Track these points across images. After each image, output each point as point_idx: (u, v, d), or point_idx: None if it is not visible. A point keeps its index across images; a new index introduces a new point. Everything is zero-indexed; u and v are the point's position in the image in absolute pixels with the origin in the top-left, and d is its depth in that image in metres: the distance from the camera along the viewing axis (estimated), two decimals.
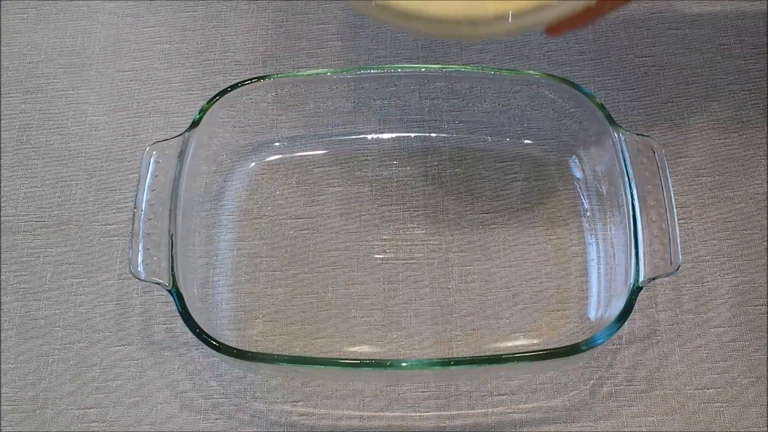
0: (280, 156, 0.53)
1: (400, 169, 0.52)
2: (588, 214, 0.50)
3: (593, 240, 0.49)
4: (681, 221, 0.49)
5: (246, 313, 0.48)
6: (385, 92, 0.52)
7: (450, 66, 0.50)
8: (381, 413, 0.45)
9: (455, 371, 0.45)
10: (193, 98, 0.55)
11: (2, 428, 0.46)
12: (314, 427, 0.45)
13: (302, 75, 0.51)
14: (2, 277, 0.50)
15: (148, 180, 0.45)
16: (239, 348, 0.41)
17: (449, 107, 0.53)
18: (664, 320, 0.47)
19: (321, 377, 0.46)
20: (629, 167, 0.44)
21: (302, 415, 0.46)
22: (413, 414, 0.45)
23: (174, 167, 0.45)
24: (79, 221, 0.51)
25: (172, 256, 0.43)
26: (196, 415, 0.46)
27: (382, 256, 0.49)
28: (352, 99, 0.52)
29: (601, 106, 0.46)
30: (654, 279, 0.42)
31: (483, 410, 0.45)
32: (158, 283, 0.43)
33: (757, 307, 0.47)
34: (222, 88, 0.48)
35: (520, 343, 0.46)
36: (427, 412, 0.45)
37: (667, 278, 0.46)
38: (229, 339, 0.47)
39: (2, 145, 0.54)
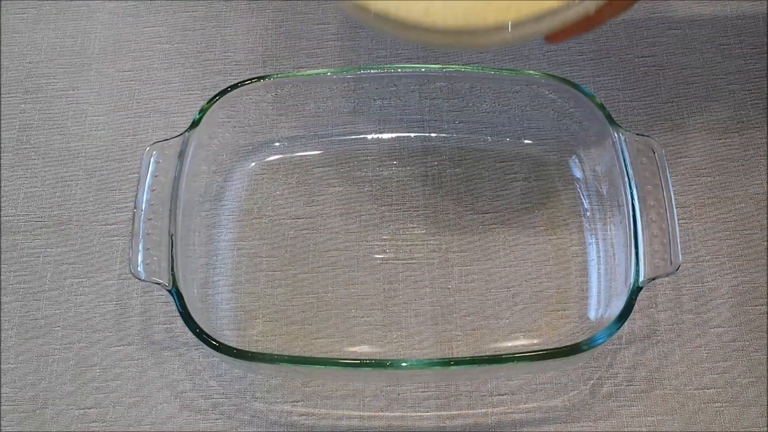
0: (280, 156, 0.53)
1: (400, 169, 0.52)
2: (588, 214, 0.50)
3: (593, 240, 0.49)
4: (681, 221, 0.49)
5: (246, 313, 0.48)
6: (385, 92, 0.52)
7: (450, 66, 0.50)
8: (381, 413, 0.45)
9: (455, 371, 0.45)
10: (193, 98, 0.55)
11: (2, 428, 0.46)
12: (314, 427, 0.45)
13: (302, 75, 0.51)
14: (2, 277, 0.50)
15: (148, 180, 0.45)
16: (239, 348, 0.41)
17: (449, 107, 0.53)
18: (664, 320, 0.47)
19: (321, 377, 0.46)
20: (629, 167, 0.44)
21: (302, 415, 0.46)
22: (413, 414, 0.45)
23: (174, 167, 0.45)
24: (79, 221, 0.51)
25: (172, 256, 0.43)
26: (196, 415, 0.46)
27: (382, 256, 0.49)
28: (352, 99, 0.52)
29: (601, 106, 0.46)
30: (654, 279, 0.42)
31: (483, 410, 0.45)
32: (158, 283, 0.43)
33: (757, 307, 0.47)
34: (222, 88, 0.48)
35: (520, 343, 0.46)
36: (427, 412, 0.45)
37: (667, 278, 0.46)
38: (229, 339, 0.47)
39: (2, 145, 0.54)
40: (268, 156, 0.53)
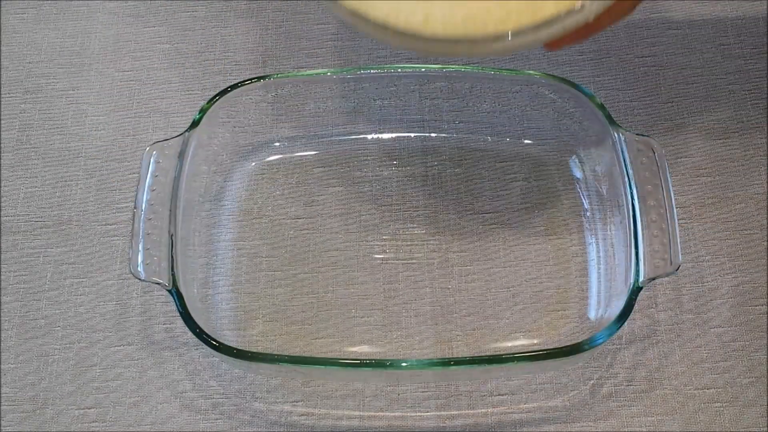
0: (280, 156, 0.53)
1: (400, 169, 0.52)
2: (588, 214, 0.50)
3: (593, 240, 0.49)
4: (681, 221, 0.49)
5: (246, 313, 0.48)
6: (385, 92, 0.52)
7: (450, 66, 0.50)
8: (381, 413, 0.45)
9: (455, 371, 0.44)
10: (193, 98, 0.55)
11: (2, 428, 0.46)
12: (314, 427, 0.45)
13: (302, 75, 0.51)
14: (2, 277, 0.50)
15: (148, 180, 0.45)
16: (239, 348, 0.41)
17: (449, 107, 0.53)
18: (664, 320, 0.47)
19: (321, 377, 0.46)
20: (629, 167, 0.44)
21: (302, 415, 0.46)
22: (413, 414, 0.45)
23: (174, 167, 0.45)
24: (79, 221, 0.51)
25: (172, 256, 0.43)
26: (196, 415, 0.46)
27: (382, 256, 0.49)
28: (352, 99, 0.52)
29: (601, 106, 0.46)
30: (654, 279, 0.42)
31: (483, 410, 0.45)
32: (158, 283, 0.43)
33: (757, 307, 0.47)
34: (222, 88, 0.48)
35: (520, 343, 0.46)
36: (427, 412, 0.45)
37: (667, 278, 0.46)
38: (229, 339, 0.47)
39: (2, 145, 0.54)
40: (268, 156, 0.53)
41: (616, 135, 0.45)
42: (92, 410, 0.46)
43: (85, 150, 0.54)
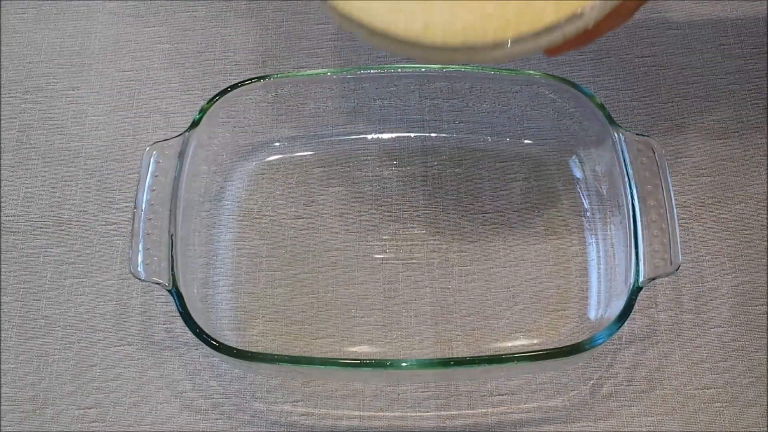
0: (280, 156, 0.53)
1: (400, 169, 0.52)
2: (588, 214, 0.50)
3: (593, 240, 0.49)
4: (681, 221, 0.49)
5: (246, 313, 0.48)
6: (385, 92, 0.52)
7: (450, 66, 0.49)
8: (381, 413, 0.45)
9: (455, 371, 0.45)
10: (193, 98, 0.55)
11: (2, 428, 0.46)
12: (314, 427, 0.45)
13: (302, 75, 0.51)
14: (2, 277, 0.50)
15: (148, 180, 0.45)
16: (239, 348, 0.41)
17: (449, 107, 0.53)
18: (664, 320, 0.47)
19: (321, 377, 0.46)
20: (629, 167, 0.44)
21: (302, 415, 0.46)
22: (413, 414, 0.45)
23: (174, 167, 0.45)
24: (79, 221, 0.51)
25: (172, 256, 0.43)
26: (196, 415, 0.46)
27: (382, 256, 0.49)
28: (352, 99, 0.52)
29: (601, 106, 0.46)
30: (654, 279, 0.42)
31: (483, 410, 0.45)
32: (158, 283, 0.43)
33: (757, 307, 0.47)
34: (222, 88, 0.48)
35: (520, 343, 0.46)
36: (427, 412, 0.45)
37: (667, 278, 0.46)
38: (229, 339, 0.47)
39: (2, 145, 0.54)
40: (268, 156, 0.53)
41: (616, 135, 0.45)
42: (92, 410, 0.46)
43: (85, 150, 0.54)
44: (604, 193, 0.49)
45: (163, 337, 0.48)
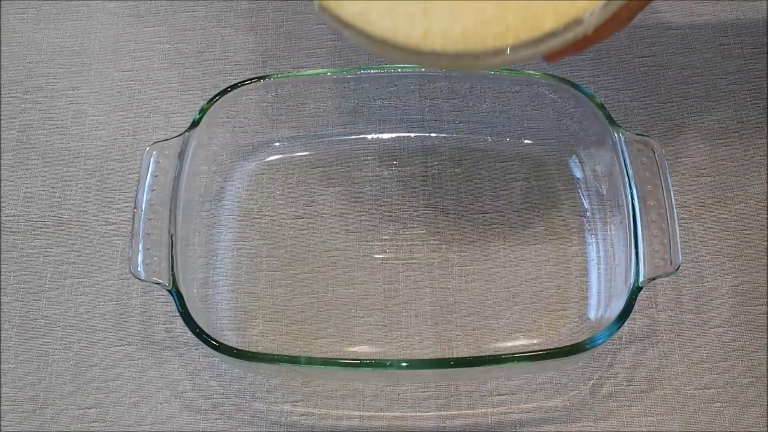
0: (280, 156, 0.53)
1: (400, 169, 0.52)
2: (588, 214, 0.50)
3: (593, 240, 0.49)
4: (681, 221, 0.49)
5: (246, 313, 0.48)
6: (385, 92, 0.52)
7: None
8: (381, 413, 0.45)
9: (455, 371, 0.45)
10: (193, 98, 0.55)
11: (2, 428, 0.46)
12: (314, 427, 0.45)
13: (302, 75, 0.51)
14: (2, 277, 0.50)
15: (148, 180, 0.45)
16: (239, 348, 0.41)
17: (449, 107, 0.53)
18: (664, 320, 0.47)
19: (321, 377, 0.46)
20: (629, 167, 0.44)
21: (302, 415, 0.46)
22: (413, 414, 0.45)
23: (174, 167, 0.45)
24: (79, 221, 0.51)
25: (172, 256, 0.43)
26: (196, 415, 0.46)
27: (382, 256, 0.49)
28: (352, 99, 0.52)
29: (601, 106, 0.46)
30: (654, 279, 0.42)
31: (483, 410, 0.45)
32: (158, 283, 0.43)
33: (757, 307, 0.47)
34: (222, 88, 0.48)
35: (520, 343, 0.46)
36: (427, 412, 0.45)
37: (667, 278, 0.46)
38: (229, 339, 0.47)
39: (2, 145, 0.54)
40: (268, 156, 0.53)
41: (616, 135, 0.45)
42: (92, 410, 0.46)
43: (85, 150, 0.54)
44: (604, 193, 0.49)
45: (163, 337, 0.48)
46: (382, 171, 0.52)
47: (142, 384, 0.46)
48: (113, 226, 0.51)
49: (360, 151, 0.53)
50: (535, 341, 0.46)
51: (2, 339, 0.48)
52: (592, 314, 0.47)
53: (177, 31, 0.58)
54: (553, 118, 0.51)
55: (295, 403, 0.46)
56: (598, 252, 0.48)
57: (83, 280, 0.49)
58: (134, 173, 0.52)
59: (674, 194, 0.44)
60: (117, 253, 0.50)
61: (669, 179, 0.44)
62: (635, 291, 0.41)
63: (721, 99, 0.54)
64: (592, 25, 0.33)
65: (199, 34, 0.58)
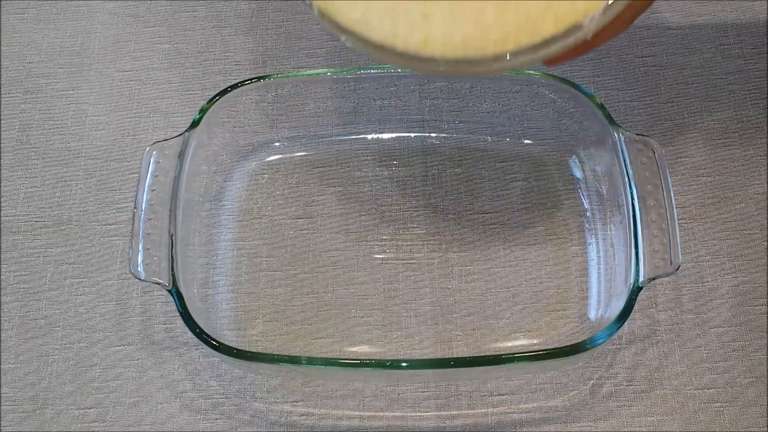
0: (280, 156, 0.53)
1: (400, 169, 0.52)
2: (588, 214, 0.50)
3: (593, 240, 0.49)
4: (681, 221, 0.49)
5: (246, 313, 0.48)
6: (385, 92, 0.52)
7: None
8: (381, 413, 0.45)
9: (455, 371, 0.45)
10: (193, 98, 0.55)
11: (2, 428, 0.46)
12: (314, 427, 0.45)
13: (302, 75, 0.51)
14: (2, 277, 0.50)
15: (148, 180, 0.45)
16: (239, 348, 0.41)
17: (449, 107, 0.53)
18: (664, 320, 0.47)
19: (321, 377, 0.46)
20: (629, 167, 0.44)
21: (302, 415, 0.46)
22: (413, 414, 0.45)
23: (174, 167, 0.45)
24: (79, 221, 0.51)
25: (172, 256, 0.43)
26: (196, 415, 0.46)
27: (382, 256, 0.49)
28: (352, 99, 0.52)
29: (601, 106, 0.46)
30: (654, 279, 0.42)
31: (483, 410, 0.45)
32: (158, 283, 0.43)
33: (757, 307, 0.47)
34: (222, 88, 0.48)
35: (520, 343, 0.46)
36: (427, 412, 0.45)
37: (667, 278, 0.46)
38: (229, 339, 0.47)
39: (2, 145, 0.54)
40: (268, 156, 0.53)
41: (616, 135, 0.45)
42: (92, 410, 0.46)
43: (85, 150, 0.54)
44: (604, 193, 0.49)
45: (163, 337, 0.48)
46: (382, 171, 0.52)
47: (142, 384, 0.46)
48: (113, 226, 0.51)
49: (360, 151, 0.53)
50: (535, 341, 0.46)
51: (2, 339, 0.48)
52: (592, 314, 0.47)
53: (177, 31, 0.58)
54: (553, 118, 0.51)
55: (295, 403, 0.46)
56: (598, 252, 0.48)
57: (83, 280, 0.49)
58: (134, 173, 0.52)
59: (674, 194, 0.44)
60: (117, 253, 0.50)
61: (669, 179, 0.44)
62: (635, 291, 0.41)
63: (721, 99, 0.54)
64: (591, 31, 0.33)
65: (199, 34, 0.58)
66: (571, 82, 0.48)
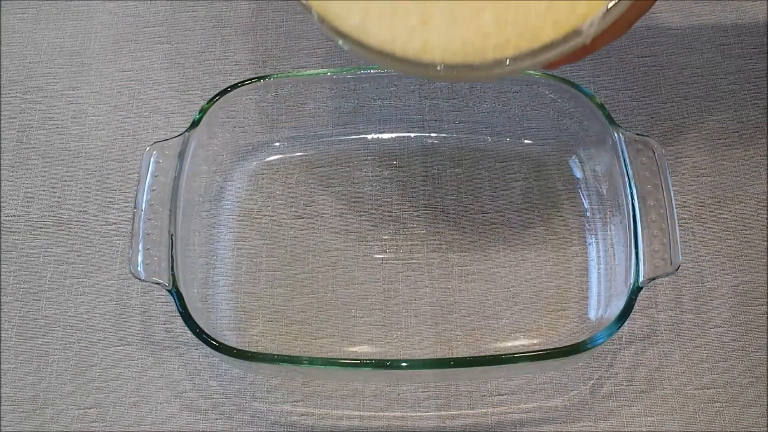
0: (280, 156, 0.53)
1: (400, 169, 0.52)
2: (588, 214, 0.50)
3: (593, 240, 0.49)
4: (681, 221, 0.49)
5: (246, 313, 0.48)
6: (385, 92, 0.52)
7: None
8: (381, 413, 0.45)
9: (455, 371, 0.45)
10: (193, 98, 0.55)
11: (2, 428, 0.46)
12: (314, 427, 0.45)
13: (302, 75, 0.51)
14: (2, 277, 0.50)
15: (148, 180, 0.45)
16: (239, 348, 0.41)
17: (449, 107, 0.53)
18: (664, 320, 0.47)
19: (321, 377, 0.46)
20: (629, 167, 0.44)
21: (302, 415, 0.46)
22: (413, 414, 0.45)
23: (174, 167, 0.45)
24: (79, 221, 0.51)
25: (172, 256, 0.43)
26: (196, 415, 0.46)
27: (382, 256, 0.49)
28: (352, 99, 0.52)
29: (601, 106, 0.46)
30: (654, 279, 0.42)
31: (483, 410, 0.45)
32: (158, 283, 0.43)
33: (757, 307, 0.47)
34: (222, 88, 0.48)
35: (520, 343, 0.46)
36: (427, 412, 0.45)
37: (667, 278, 0.46)
38: (229, 339, 0.47)
39: (2, 145, 0.54)
40: (268, 156, 0.53)
41: (616, 135, 0.45)
42: (92, 410, 0.46)
43: (85, 150, 0.54)
44: (604, 193, 0.49)
45: (163, 337, 0.48)
46: (381, 171, 0.52)
47: (142, 384, 0.46)
48: (113, 226, 0.51)
49: (360, 152, 0.53)
50: (535, 341, 0.46)
51: (2, 339, 0.48)
52: (592, 314, 0.47)
53: (177, 31, 0.58)
54: (553, 118, 0.51)
55: (295, 403, 0.46)
56: (598, 252, 0.48)
57: (83, 280, 0.49)
58: (134, 173, 0.52)
59: (674, 194, 0.44)
60: (117, 253, 0.50)
61: (669, 179, 0.44)
62: (635, 291, 0.41)
63: (721, 99, 0.54)
64: (590, 36, 0.34)
65: (199, 34, 0.58)
66: (571, 82, 0.48)
